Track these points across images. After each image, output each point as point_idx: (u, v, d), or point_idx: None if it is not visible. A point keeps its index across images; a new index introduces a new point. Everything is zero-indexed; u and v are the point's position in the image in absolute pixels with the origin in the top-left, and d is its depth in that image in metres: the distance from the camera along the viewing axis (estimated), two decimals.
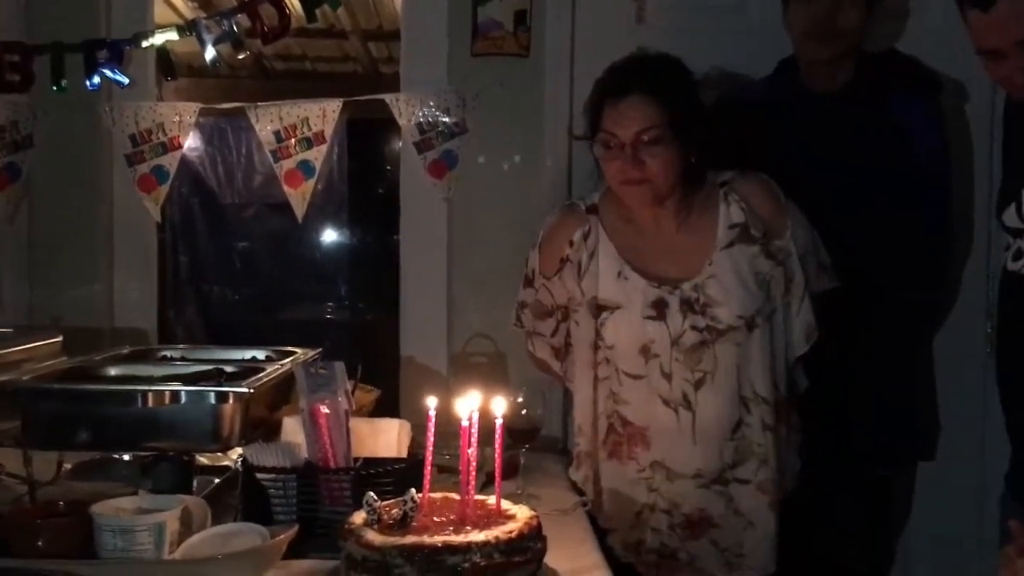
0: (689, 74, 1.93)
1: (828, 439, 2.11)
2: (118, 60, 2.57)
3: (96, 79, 2.56)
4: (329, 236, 6.20)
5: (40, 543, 1.51)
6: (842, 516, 2.24)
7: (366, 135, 5.83)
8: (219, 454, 2.01)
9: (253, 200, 6.16)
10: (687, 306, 1.89)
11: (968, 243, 2.54)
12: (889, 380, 2.26)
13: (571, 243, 2.00)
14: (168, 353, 2.17)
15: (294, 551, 1.56)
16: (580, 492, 2.04)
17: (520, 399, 2.04)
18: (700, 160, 1.91)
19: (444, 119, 2.66)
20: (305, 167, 2.68)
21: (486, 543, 1.38)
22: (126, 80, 2.58)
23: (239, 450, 1.77)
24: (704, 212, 1.94)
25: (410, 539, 1.39)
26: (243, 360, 2.11)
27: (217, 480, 1.90)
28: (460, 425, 1.52)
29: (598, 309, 1.95)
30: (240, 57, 2.73)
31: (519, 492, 1.93)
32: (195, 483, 1.83)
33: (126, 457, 2.01)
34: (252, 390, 1.71)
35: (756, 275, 1.89)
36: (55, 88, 2.57)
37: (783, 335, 1.93)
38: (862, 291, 2.15)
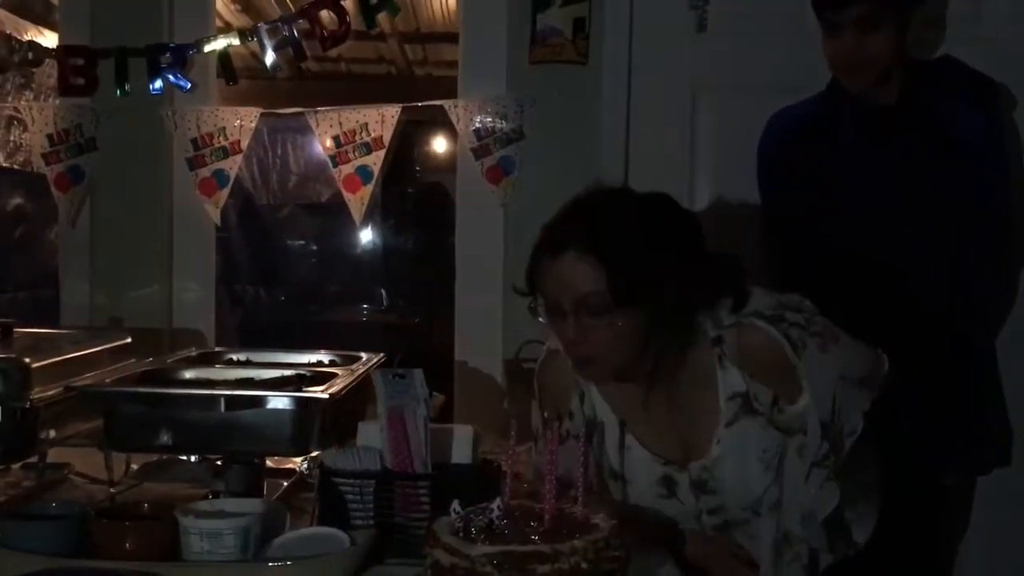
0: (659, 212, 1.59)
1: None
2: (181, 65, 2.62)
3: (159, 83, 2.61)
4: (365, 236, 6.22)
5: (128, 545, 1.51)
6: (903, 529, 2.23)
7: (401, 137, 5.84)
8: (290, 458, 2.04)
9: (288, 200, 6.19)
10: (698, 488, 1.65)
11: None
12: (952, 394, 2.24)
13: (571, 414, 1.74)
14: (234, 356, 2.19)
15: (372, 556, 1.58)
16: None
17: None
18: (670, 323, 1.57)
19: (502, 125, 2.68)
20: (363, 172, 2.71)
21: (573, 551, 1.39)
22: (188, 84, 2.62)
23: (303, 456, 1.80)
24: (700, 381, 1.62)
25: (499, 547, 1.40)
26: (310, 364, 2.13)
27: (286, 484, 1.92)
28: (545, 433, 1.53)
29: (612, 475, 1.73)
30: (300, 64, 2.76)
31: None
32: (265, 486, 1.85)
33: (193, 459, 2.05)
34: (330, 395, 1.72)
35: (762, 457, 1.61)
36: (119, 92, 2.62)
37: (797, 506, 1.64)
38: (915, 316, 2.13)
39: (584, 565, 1.40)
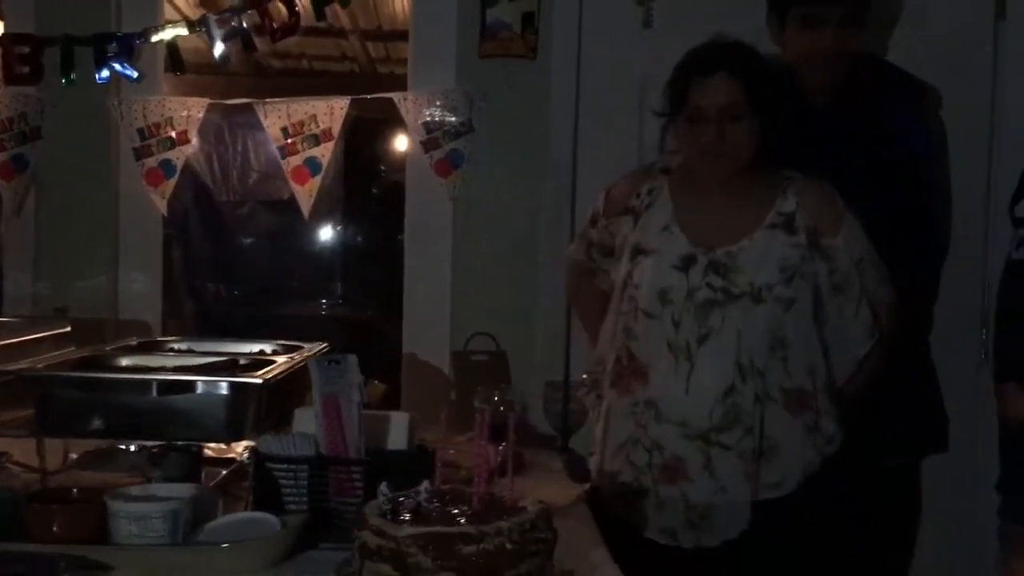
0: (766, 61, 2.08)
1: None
2: (127, 54, 2.60)
3: (105, 72, 2.59)
4: (326, 233, 6.23)
5: (55, 528, 1.51)
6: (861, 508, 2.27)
7: (363, 134, 5.86)
8: (224, 446, 2.04)
9: (248, 197, 6.16)
10: (712, 268, 2.01)
11: (966, 247, 2.59)
12: (900, 378, 2.26)
13: (637, 194, 2.13)
14: (176, 345, 2.19)
15: (305, 541, 1.58)
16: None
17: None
18: (772, 142, 2.02)
19: (451, 119, 2.70)
20: (312, 163, 2.71)
21: (499, 532, 1.40)
22: (135, 74, 2.61)
23: (244, 443, 1.80)
24: (764, 196, 2.06)
25: (424, 528, 1.41)
26: (252, 353, 2.13)
27: (225, 471, 1.92)
28: (476, 419, 1.54)
29: (635, 252, 2.09)
30: (250, 54, 2.76)
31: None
32: (203, 474, 1.85)
33: (133, 447, 2.04)
34: (264, 380, 1.73)
35: (780, 260, 2.00)
36: (64, 81, 2.60)
37: (812, 329, 2.02)
38: None
39: (509, 546, 1.41)
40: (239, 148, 6.09)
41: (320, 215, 6.07)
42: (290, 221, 6.00)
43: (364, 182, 6.26)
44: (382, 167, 6.49)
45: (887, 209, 2.25)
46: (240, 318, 5.75)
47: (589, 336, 2.30)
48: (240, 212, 6.20)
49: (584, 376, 2.24)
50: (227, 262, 6.11)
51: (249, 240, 6.15)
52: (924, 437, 2.45)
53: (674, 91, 2.03)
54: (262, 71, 5.81)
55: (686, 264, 2.03)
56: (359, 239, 6.27)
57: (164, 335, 3.00)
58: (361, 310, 5.75)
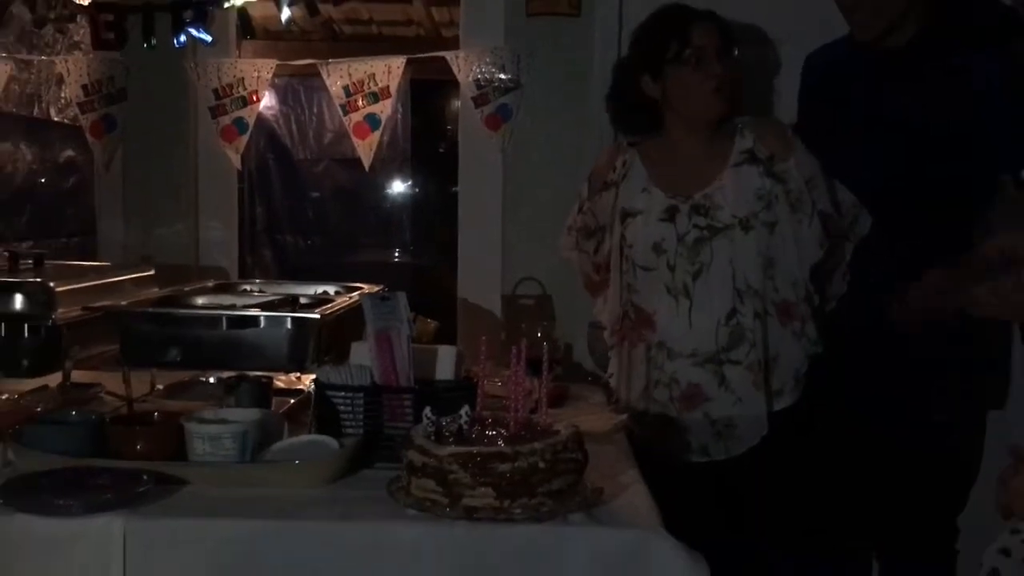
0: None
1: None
2: (202, 20, 2.65)
3: (182, 37, 2.64)
4: (394, 188, 6.32)
5: (138, 447, 1.59)
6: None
7: (429, 95, 5.89)
8: (293, 377, 2.11)
9: (323, 156, 6.26)
10: (694, 210, 2.08)
11: None
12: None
13: (613, 168, 2.20)
14: (248, 287, 2.26)
15: (362, 461, 1.64)
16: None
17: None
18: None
19: (500, 75, 2.70)
20: (372, 120, 2.74)
21: (532, 452, 1.45)
22: (209, 38, 2.66)
23: (311, 376, 1.85)
24: (724, 141, 2.13)
25: (463, 448, 1.46)
26: (316, 294, 2.19)
27: (292, 400, 1.99)
28: (512, 352, 1.58)
29: (624, 215, 2.15)
30: (312, 18, 2.79)
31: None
32: (273, 403, 1.92)
33: (211, 380, 2.12)
34: (322, 316, 1.78)
35: (757, 189, 2.07)
36: (145, 46, 2.66)
37: (789, 244, 2.08)
38: (924, 251, 2.03)
39: (542, 464, 1.46)
40: (314, 111, 6.17)
41: (390, 171, 6.15)
42: (362, 177, 6.10)
43: (431, 140, 6.30)
44: (448, 126, 6.52)
45: (950, 165, 2.07)
46: (316, 266, 5.88)
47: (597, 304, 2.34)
48: (316, 169, 6.30)
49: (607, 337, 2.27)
50: (304, 215, 6.23)
51: (325, 194, 6.26)
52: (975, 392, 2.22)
53: (676, 35, 2.08)
54: (334, 36, 5.85)
55: (671, 215, 2.09)
56: (425, 192, 6.33)
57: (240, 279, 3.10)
58: (426, 258, 5.84)
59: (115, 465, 1.52)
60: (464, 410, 1.53)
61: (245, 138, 2.77)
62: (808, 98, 2.40)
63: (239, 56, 2.97)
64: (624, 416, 2.07)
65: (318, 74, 2.78)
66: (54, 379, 1.93)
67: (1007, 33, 2.14)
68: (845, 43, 2.28)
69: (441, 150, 6.48)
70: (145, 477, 1.47)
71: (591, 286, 2.36)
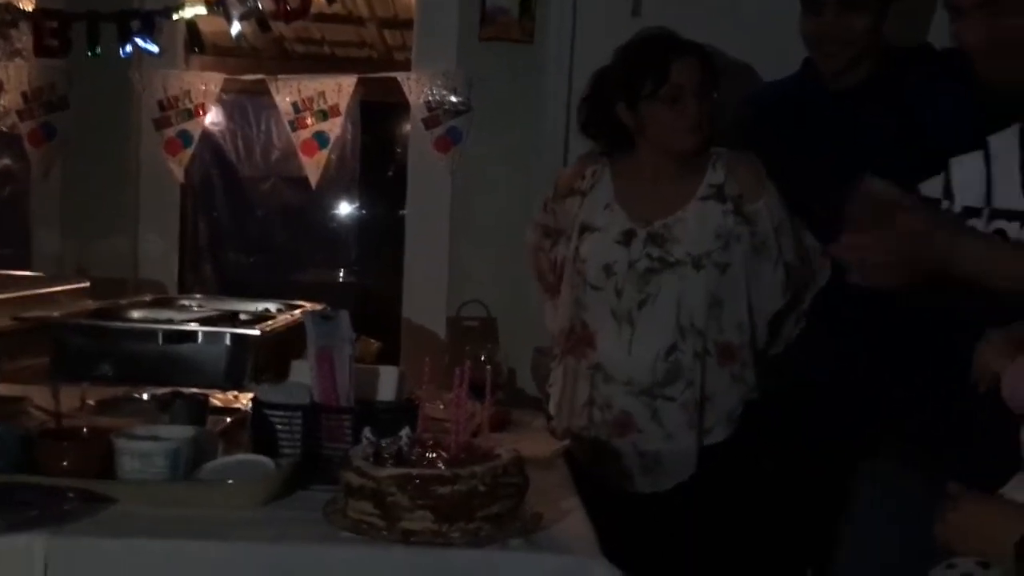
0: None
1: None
2: (149, 30, 2.61)
3: (128, 47, 2.60)
4: (341, 208, 6.30)
5: (65, 463, 1.54)
6: None
7: (379, 117, 5.88)
8: (230, 396, 2.06)
9: (270, 173, 6.21)
10: (650, 239, 2.08)
11: None
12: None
13: (583, 176, 2.20)
14: (187, 302, 2.21)
15: (299, 482, 1.60)
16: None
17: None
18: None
19: (451, 98, 2.70)
20: (320, 138, 2.72)
21: (472, 475, 1.42)
22: (156, 49, 2.61)
23: (248, 394, 1.81)
24: (695, 172, 2.11)
25: (402, 470, 1.43)
26: (257, 311, 2.15)
27: (229, 419, 1.94)
28: (454, 374, 1.56)
29: (582, 229, 2.15)
30: (264, 35, 2.76)
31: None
32: (209, 421, 1.87)
33: (145, 396, 2.06)
34: (262, 332, 1.74)
35: (717, 227, 2.06)
36: (89, 54, 2.61)
37: (740, 286, 2.07)
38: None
39: (481, 488, 1.43)
40: (263, 128, 6.12)
41: (337, 190, 6.13)
42: (309, 196, 6.07)
43: (380, 161, 6.29)
44: (397, 148, 6.52)
45: None
46: (259, 284, 5.81)
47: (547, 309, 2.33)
48: (263, 187, 6.25)
49: (552, 347, 2.27)
50: (249, 233, 6.17)
51: (271, 212, 6.20)
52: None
53: (654, 72, 2.05)
54: (286, 55, 5.82)
55: (627, 239, 2.09)
56: (373, 213, 6.32)
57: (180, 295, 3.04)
58: (372, 279, 5.81)
59: (40, 482, 1.47)
60: (404, 432, 1.51)
61: (190, 152, 2.72)
62: (751, 132, 2.40)
63: (187, 69, 2.93)
64: (566, 442, 2.06)
65: (267, 92, 2.76)
66: None
67: (955, 74, 2.19)
68: (795, 81, 2.32)
69: (390, 173, 6.47)
70: (71, 495, 1.42)
71: (546, 286, 2.35)
